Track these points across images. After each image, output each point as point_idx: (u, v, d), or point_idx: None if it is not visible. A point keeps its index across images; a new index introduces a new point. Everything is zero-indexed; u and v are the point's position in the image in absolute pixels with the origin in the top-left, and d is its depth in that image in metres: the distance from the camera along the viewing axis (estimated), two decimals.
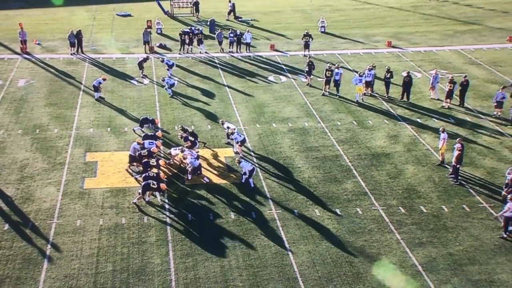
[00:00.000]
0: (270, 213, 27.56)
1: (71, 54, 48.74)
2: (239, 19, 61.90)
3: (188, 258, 24.25)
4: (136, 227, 26.19)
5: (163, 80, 40.70)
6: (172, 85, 40.72)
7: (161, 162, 30.12)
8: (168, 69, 43.68)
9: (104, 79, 40.23)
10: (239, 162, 29.62)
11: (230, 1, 62.81)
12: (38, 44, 50.46)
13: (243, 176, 29.59)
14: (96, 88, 39.44)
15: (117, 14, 62.53)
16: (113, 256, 24.24)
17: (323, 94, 41.13)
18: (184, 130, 32.56)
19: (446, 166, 31.37)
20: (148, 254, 24.37)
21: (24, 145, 33.26)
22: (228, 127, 33.33)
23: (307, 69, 42.98)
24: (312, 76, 43.16)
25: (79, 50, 49.23)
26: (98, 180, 30.00)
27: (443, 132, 31.64)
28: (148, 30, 51.57)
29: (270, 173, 31.10)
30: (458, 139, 30.74)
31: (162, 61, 44.69)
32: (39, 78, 43.43)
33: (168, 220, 26.79)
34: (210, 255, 24.50)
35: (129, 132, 35.01)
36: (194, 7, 62.22)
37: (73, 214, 27.07)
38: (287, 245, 25.22)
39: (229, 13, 62.53)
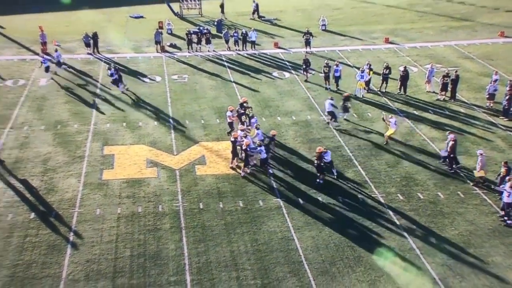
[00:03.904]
0: (276, 201, 27.67)
1: (87, 54, 48.89)
2: (263, 18, 61.65)
3: (200, 244, 24.41)
4: (151, 215, 26.37)
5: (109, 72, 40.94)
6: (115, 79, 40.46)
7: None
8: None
9: (109, 69, 40.88)
10: (259, 146, 29.74)
11: (254, 1, 62.67)
12: (57, 45, 50.56)
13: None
14: (117, 81, 39.77)
15: (130, 16, 62.54)
16: (130, 242, 24.45)
17: (326, 88, 41.13)
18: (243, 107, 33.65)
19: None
20: (163, 240, 24.56)
21: (47, 140, 33.45)
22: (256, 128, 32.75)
23: (303, 66, 43.01)
24: (313, 73, 43.17)
25: (95, 50, 49.37)
26: (115, 171, 30.16)
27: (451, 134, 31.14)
28: (160, 30, 51.66)
29: (276, 163, 31.19)
30: (448, 132, 31.38)
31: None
32: (59, 77, 43.53)
33: (181, 208, 26.97)
34: (220, 241, 24.66)
35: (143, 127, 35.15)
36: (220, 8, 61.98)
37: (93, 203, 27.28)
38: (292, 231, 25.37)
39: (253, 13, 62.35)
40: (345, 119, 36.16)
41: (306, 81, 42.81)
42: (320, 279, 22.49)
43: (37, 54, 48.23)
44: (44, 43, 49.04)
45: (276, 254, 23.86)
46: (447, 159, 30.58)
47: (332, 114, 35.41)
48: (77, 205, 27.08)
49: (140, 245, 24.26)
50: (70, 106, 38.22)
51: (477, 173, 28.86)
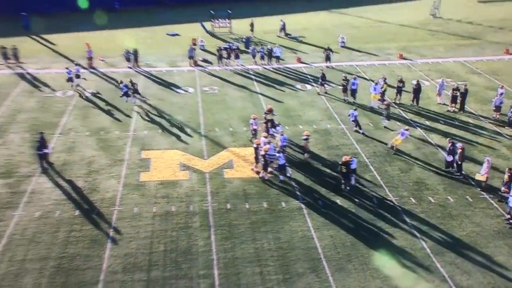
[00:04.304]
0: (298, 202, 27.42)
1: (128, 68, 49.18)
2: (289, 36, 61.48)
3: (227, 241, 24.27)
4: (183, 214, 26.30)
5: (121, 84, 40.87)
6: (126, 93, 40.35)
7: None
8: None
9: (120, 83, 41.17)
10: (279, 152, 29.54)
11: (281, 20, 62.52)
12: (102, 60, 50.98)
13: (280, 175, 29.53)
14: (127, 94, 40.06)
15: (167, 34, 62.83)
16: (164, 239, 24.41)
17: (344, 100, 40.78)
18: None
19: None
20: (193, 237, 24.47)
21: (91, 144, 33.64)
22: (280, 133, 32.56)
23: (320, 80, 42.67)
24: (327, 87, 42.93)
25: (135, 64, 49.64)
26: (151, 174, 30.18)
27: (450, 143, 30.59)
28: (193, 46, 51.78)
29: (297, 168, 30.94)
30: (449, 138, 31.36)
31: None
32: (103, 89, 43.86)
33: (210, 208, 26.86)
34: (246, 238, 24.51)
35: (177, 133, 35.11)
36: (250, 27, 61.87)
37: (131, 202, 27.32)
38: (312, 231, 25.10)
39: (280, 30, 62.22)
40: (385, 127, 36.09)
41: (319, 94, 42.39)
42: (337, 275, 22.21)
43: (84, 68, 48.55)
44: (90, 58, 49.42)
45: (297, 251, 23.62)
46: (455, 165, 30.10)
47: (356, 122, 35.26)
48: (116, 204, 27.14)
49: (172, 241, 24.21)
50: (113, 114, 38.44)
51: (479, 176, 28.40)
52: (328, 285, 21.72)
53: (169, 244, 24.03)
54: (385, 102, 37.32)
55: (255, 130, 33.59)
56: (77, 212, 26.46)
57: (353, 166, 28.50)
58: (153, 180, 29.45)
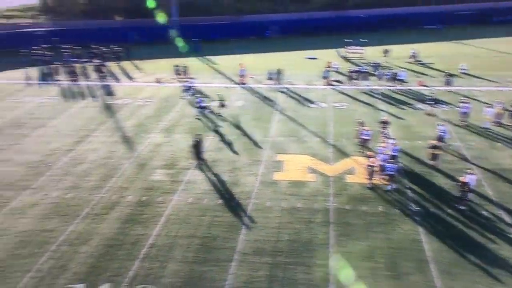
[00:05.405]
0: (411, 209, 25.81)
1: (272, 85, 49.75)
2: (419, 62, 58.67)
3: (344, 237, 23.43)
4: (307, 210, 25.85)
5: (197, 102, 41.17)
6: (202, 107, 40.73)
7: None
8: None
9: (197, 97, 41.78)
10: (389, 163, 28.12)
11: (412, 49, 60.05)
12: (252, 77, 52.16)
13: (391, 184, 27.95)
14: (203, 107, 40.91)
15: (306, 57, 62.84)
16: (289, 230, 24.15)
17: (461, 121, 37.90)
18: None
19: None
20: (314, 231, 23.94)
21: (236, 146, 34.37)
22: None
23: (432, 102, 40.10)
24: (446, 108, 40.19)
25: (278, 82, 50.09)
26: (283, 174, 30.08)
27: None
28: (328, 69, 51.17)
29: (413, 178, 29.18)
30: None
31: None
32: (249, 101, 44.78)
33: (331, 207, 26.14)
34: (360, 236, 23.50)
35: (308, 141, 34.80)
36: (384, 53, 60.50)
37: (264, 197, 27.40)
38: (421, 235, 23.46)
39: (410, 57, 59.59)
40: (477, 147, 33.12)
41: (429, 114, 39.63)
42: (442, 277, 20.52)
43: (236, 83, 49.96)
44: (242, 76, 50.80)
45: (406, 252, 22.19)
46: None
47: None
48: (252, 197, 27.37)
49: (296, 233, 23.88)
50: (255, 123, 38.99)
51: None
52: (433, 286, 20.11)
53: (292, 235, 23.73)
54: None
55: (365, 140, 32.36)
56: (220, 201, 27.06)
57: (472, 183, 25.91)
58: (284, 180, 29.33)
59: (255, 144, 34.66)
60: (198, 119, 39.68)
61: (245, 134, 36.57)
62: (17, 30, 72.38)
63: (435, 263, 21.44)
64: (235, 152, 33.29)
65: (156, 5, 70.84)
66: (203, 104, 41.20)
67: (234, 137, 36.00)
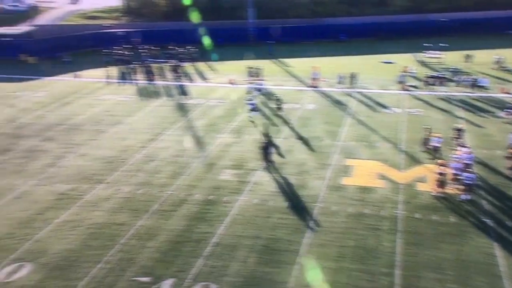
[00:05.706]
0: (485, 221, 24.47)
1: (343, 88, 49.00)
2: (505, 69, 55.69)
3: (412, 246, 22.60)
4: (374, 217, 25.21)
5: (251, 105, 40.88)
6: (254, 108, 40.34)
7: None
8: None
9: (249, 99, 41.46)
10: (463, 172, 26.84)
11: (497, 55, 57.32)
12: (324, 81, 51.73)
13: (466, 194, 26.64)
14: (256, 109, 40.95)
15: (382, 62, 61.43)
16: (354, 236, 23.65)
17: None
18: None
19: None
20: (380, 238, 23.28)
21: (305, 149, 34.17)
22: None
23: (510, 111, 38.02)
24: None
25: (351, 85, 49.29)
26: (352, 179, 29.56)
27: None
28: (404, 73, 49.74)
29: (489, 189, 27.65)
30: None
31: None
32: (321, 104, 44.40)
33: (399, 215, 25.33)
34: (429, 246, 22.57)
35: (379, 146, 33.97)
36: (465, 58, 58.27)
37: (331, 201, 27.03)
38: (496, 249, 22.17)
39: (494, 63, 56.84)
40: None
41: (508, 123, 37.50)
42: None
43: (308, 86, 49.77)
44: (314, 79, 50.50)
45: (478, 266, 21.06)
46: None
47: None
48: (319, 201, 27.08)
49: (361, 239, 23.33)
50: (326, 126, 38.60)
51: None
52: None
53: (358, 241, 23.21)
54: None
55: (436, 147, 31.08)
56: (286, 204, 26.97)
57: None
58: (352, 185, 28.80)
59: (325, 147, 34.30)
60: (252, 121, 39.94)
61: (314, 137, 36.29)
62: (100, 31, 76.36)
63: (509, 279, 20.18)
64: (303, 155, 33.12)
65: (233, 7, 72.27)
66: (254, 106, 41.45)
67: (303, 140, 35.83)
